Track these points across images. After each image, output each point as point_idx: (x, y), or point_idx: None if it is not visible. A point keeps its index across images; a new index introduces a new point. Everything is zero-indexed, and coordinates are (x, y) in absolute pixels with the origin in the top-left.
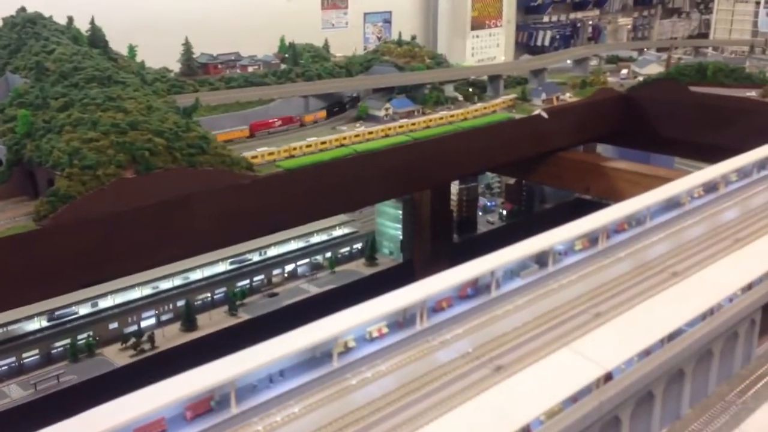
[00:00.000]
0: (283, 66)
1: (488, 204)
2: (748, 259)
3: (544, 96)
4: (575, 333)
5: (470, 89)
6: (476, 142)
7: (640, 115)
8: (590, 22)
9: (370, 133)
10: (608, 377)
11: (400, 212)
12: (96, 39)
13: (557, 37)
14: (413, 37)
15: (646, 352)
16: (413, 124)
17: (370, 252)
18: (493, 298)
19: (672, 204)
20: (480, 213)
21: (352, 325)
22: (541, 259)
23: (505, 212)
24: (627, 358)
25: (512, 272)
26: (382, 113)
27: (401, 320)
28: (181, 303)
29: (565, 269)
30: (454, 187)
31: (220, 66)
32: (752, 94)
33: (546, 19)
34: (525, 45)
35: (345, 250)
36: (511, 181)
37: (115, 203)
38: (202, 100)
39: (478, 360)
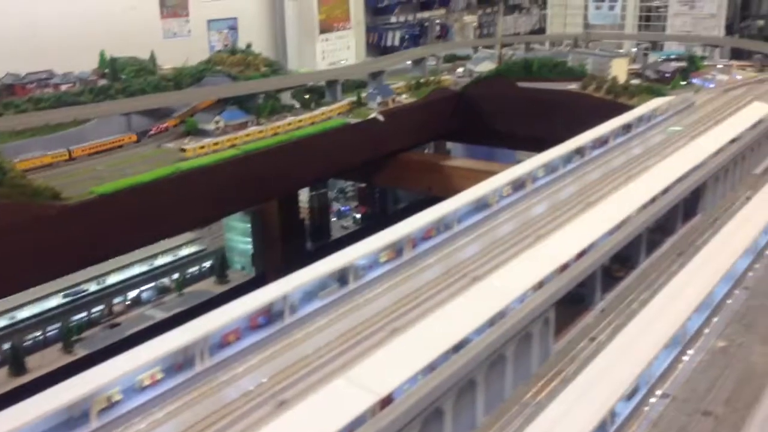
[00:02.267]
0: (102, 82)
1: (342, 209)
2: (540, 257)
3: (379, 99)
4: (365, 355)
5: (306, 96)
6: (313, 150)
7: (475, 112)
8: (437, 21)
9: (202, 147)
10: (387, 401)
11: (249, 225)
12: None
13: (406, 37)
14: (248, 45)
15: (431, 368)
16: (247, 135)
17: (221, 269)
18: (288, 324)
19: (481, 205)
20: (334, 218)
21: (115, 377)
22: (342, 276)
23: (359, 216)
24: (405, 379)
25: (310, 294)
26: (212, 126)
27: (180, 362)
28: (6, 346)
29: (368, 284)
30: (304, 195)
31: (29, 86)
32: (573, 86)
33: (393, 19)
34: (376, 46)
35: (194, 269)
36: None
37: None
38: (3, 125)
39: (261, 397)
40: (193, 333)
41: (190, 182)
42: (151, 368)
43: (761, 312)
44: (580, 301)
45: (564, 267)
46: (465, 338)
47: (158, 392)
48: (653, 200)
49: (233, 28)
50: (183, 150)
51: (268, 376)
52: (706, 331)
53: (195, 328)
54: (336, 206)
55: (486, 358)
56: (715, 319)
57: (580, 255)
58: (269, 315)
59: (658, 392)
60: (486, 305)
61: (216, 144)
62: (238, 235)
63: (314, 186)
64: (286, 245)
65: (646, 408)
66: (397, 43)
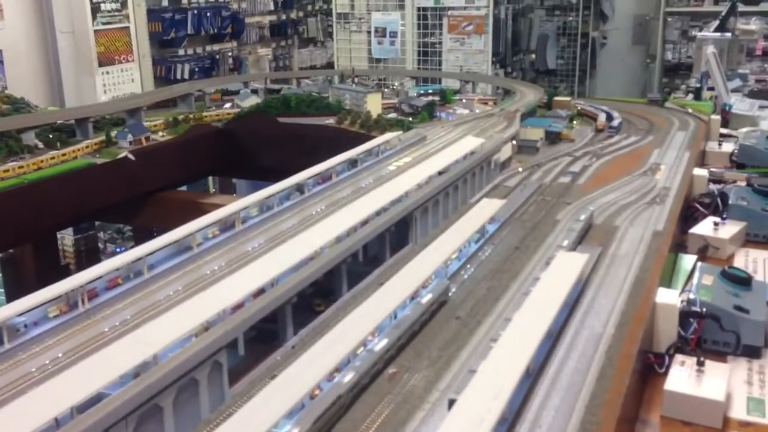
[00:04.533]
0: None
1: (117, 249)
2: (211, 299)
3: (130, 137)
4: None
5: (51, 135)
6: (55, 193)
7: (238, 148)
8: (230, 54)
9: None
10: None
11: (0, 275)
12: None
13: (196, 69)
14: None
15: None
16: None
17: None
18: None
19: (183, 247)
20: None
21: None
22: None
23: None
24: None
25: None
26: None
27: None
28: None
29: (30, 342)
30: (69, 238)
31: None
32: (330, 121)
33: (182, 52)
34: (165, 78)
35: None
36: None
37: None
38: None
39: None
40: None
41: None
42: None
43: (436, 335)
44: (273, 339)
45: (237, 307)
46: (98, 394)
47: None
48: (348, 234)
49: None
50: None
51: None
52: (386, 357)
53: None
54: (111, 247)
55: (131, 412)
56: (395, 346)
57: (258, 294)
58: None
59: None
60: (132, 356)
61: None
62: None
63: (80, 228)
64: None
65: None
66: (186, 75)
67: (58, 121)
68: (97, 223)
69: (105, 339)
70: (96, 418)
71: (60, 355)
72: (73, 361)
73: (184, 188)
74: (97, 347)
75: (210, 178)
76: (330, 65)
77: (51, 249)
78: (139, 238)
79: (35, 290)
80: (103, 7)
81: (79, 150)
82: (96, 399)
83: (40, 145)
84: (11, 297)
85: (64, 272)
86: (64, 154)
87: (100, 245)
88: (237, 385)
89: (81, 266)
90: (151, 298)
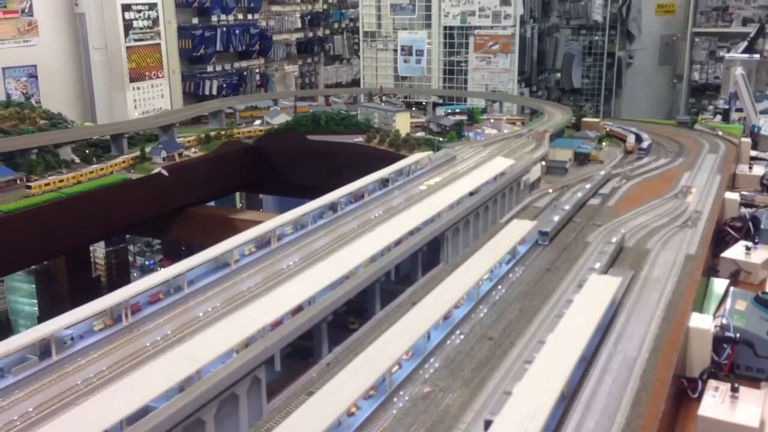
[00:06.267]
0: None
1: (147, 263)
2: (251, 316)
3: (164, 153)
4: None
5: (87, 151)
6: (91, 207)
7: (269, 164)
8: (257, 71)
9: None
10: None
11: (34, 285)
12: None
13: (224, 85)
14: (28, 98)
15: None
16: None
17: (2, 334)
18: None
19: (221, 264)
20: (137, 273)
21: None
22: (43, 348)
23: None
24: None
25: (2, 370)
26: None
27: None
28: None
29: (77, 354)
30: (101, 250)
31: None
32: (359, 139)
33: (210, 68)
34: (193, 94)
35: None
36: None
37: None
38: None
39: None
40: None
41: None
42: None
43: (469, 356)
44: (309, 355)
45: (276, 324)
46: (144, 407)
47: None
48: (382, 253)
49: (33, 76)
50: None
51: None
52: (418, 377)
53: None
54: (140, 261)
55: (176, 424)
56: (427, 365)
57: (296, 311)
58: None
59: None
60: (177, 370)
61: None
62: (22, 296)
63: (111, 241)
64: (76, 305)
65: None
66: (215, 92)
67: (94, 137)
68: (127, 236)
69: (147, 354)
70: (144, 430)
71: (104, 368)
72: (119, 374)
73: (212, 203)
74: (141, 361)
75: (237, 194)
76: (355, 82)
77: (83, 261)
78: (168, 252)
79: (67, 301)
80: (135, 24)
81: (114, 165)
82: (143, 412)
83: (77, 159)
84: (44, 308)
85: (96, 284)
86: (101, 169)
87: (130, 258)
88: (274, 401)
89: (111, 279)
90: (190, 313)
